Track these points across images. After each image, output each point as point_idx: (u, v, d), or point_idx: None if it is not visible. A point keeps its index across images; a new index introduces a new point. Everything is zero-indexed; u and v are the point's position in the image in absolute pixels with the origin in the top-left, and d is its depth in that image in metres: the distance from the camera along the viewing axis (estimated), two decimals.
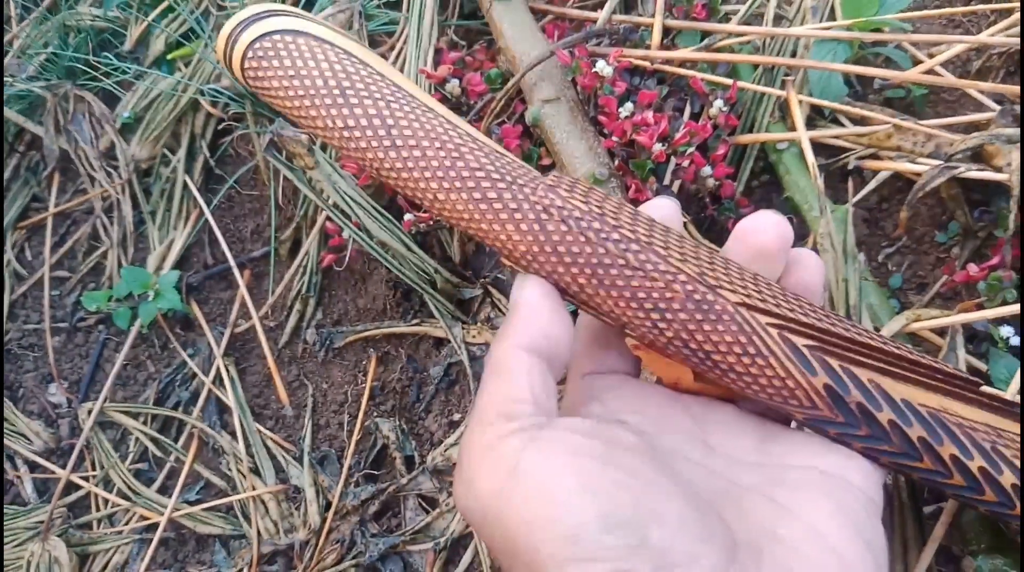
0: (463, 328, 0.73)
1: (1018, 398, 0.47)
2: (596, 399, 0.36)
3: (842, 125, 0.67)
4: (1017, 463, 0.35)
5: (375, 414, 0.74)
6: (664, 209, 0.38)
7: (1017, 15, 0.64)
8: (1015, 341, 0.51)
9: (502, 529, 0.29)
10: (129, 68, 0.92)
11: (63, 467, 0.80)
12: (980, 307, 0.55)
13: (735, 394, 0.37)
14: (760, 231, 0.36)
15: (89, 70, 0.94)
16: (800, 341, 0.34)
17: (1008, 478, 0.34)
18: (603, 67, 0.62)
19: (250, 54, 0.39)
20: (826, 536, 0.31)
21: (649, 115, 0.60)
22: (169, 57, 0.90)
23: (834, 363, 0.34)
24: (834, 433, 0.34)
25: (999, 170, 0.56)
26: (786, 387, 0.34)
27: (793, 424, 0.38)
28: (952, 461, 0.34)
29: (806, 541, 0.31)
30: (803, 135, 0.61)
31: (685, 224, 0.55)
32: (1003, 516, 0.35)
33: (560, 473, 0.28)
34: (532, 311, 0.34)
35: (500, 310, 0.73)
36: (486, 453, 0.30)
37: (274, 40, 0.39)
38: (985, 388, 0.38)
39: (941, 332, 0.55)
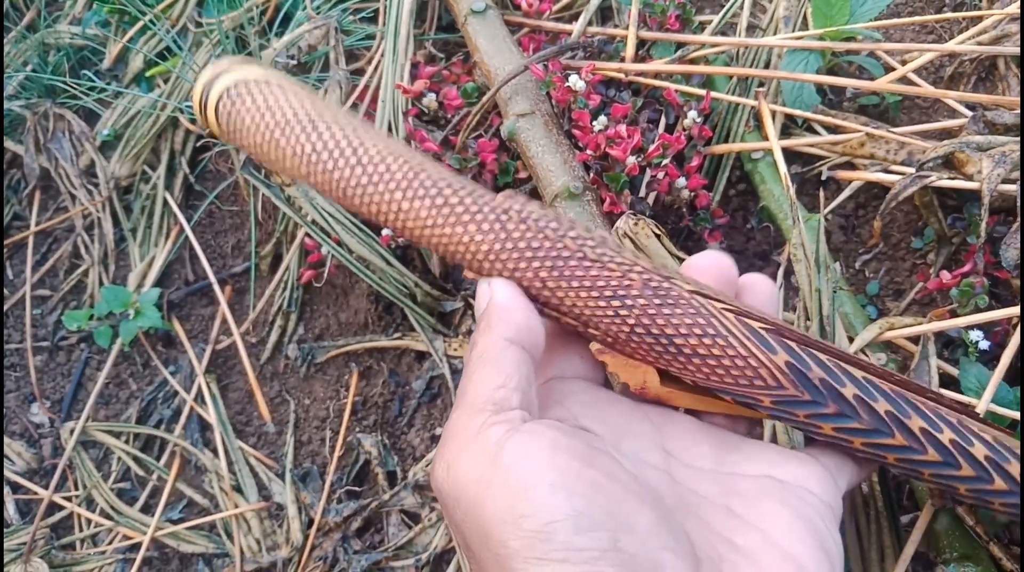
0: (445, 341, 0.74)
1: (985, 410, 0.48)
2: (558, 403, 0.36)
3: (817, 133, 0.68)
4: (986, 436, 0.36)
5: (357, 429, 0.74)
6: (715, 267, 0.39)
7: (987, 23, 0.64)
8: (984, 345, 0.52)
9: (476, 517, 0.29)
10: (108, 86, 0.92)
11: (45, 487, 0.79)
12: (954, 314, 0.56)
13: (700, 398, 0.37)
14: (703, 270, 0.37)
15: (68, 88, 0.94)
16: (756, 324, 0.35)
17: (980, 450, 0.35)
18: (576, 81, 0.62)
19: (225, 97, 0.40)
20: (783, 545, 0.31)
21: (622, 129, 0.60)
22: (148, 74, 0.90)
23: (792, 343, 0.35)
24: (804, 416, 0.35)
25: (970, 178, 0.56)
26: (749, 367, 0.35)
27: (766, 428, 0.39)
28: (923, 434, 0.35)
29: (764, 551, 0.31)
30: (775, 145, 0.61)
31: (659, 236, 0.55)
32: (983, 496, 0.35)
33: (540, 467, 0.28)
34: (510, 306, 0.35)
35: None
36: (470, 440, 0.30)
37: (247, 85, 0.40)
38: (941, 390, 0.38)
39: (916, 340, 0.55)
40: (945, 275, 0.57)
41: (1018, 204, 0.52)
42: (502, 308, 0.35)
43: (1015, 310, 0.49)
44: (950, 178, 0.57)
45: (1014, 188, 0.55)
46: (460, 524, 0.30)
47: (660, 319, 0.35)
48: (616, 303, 0.35)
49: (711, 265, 0.38)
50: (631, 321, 0.35)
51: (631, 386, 0.38)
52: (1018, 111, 0.59)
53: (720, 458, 0.35)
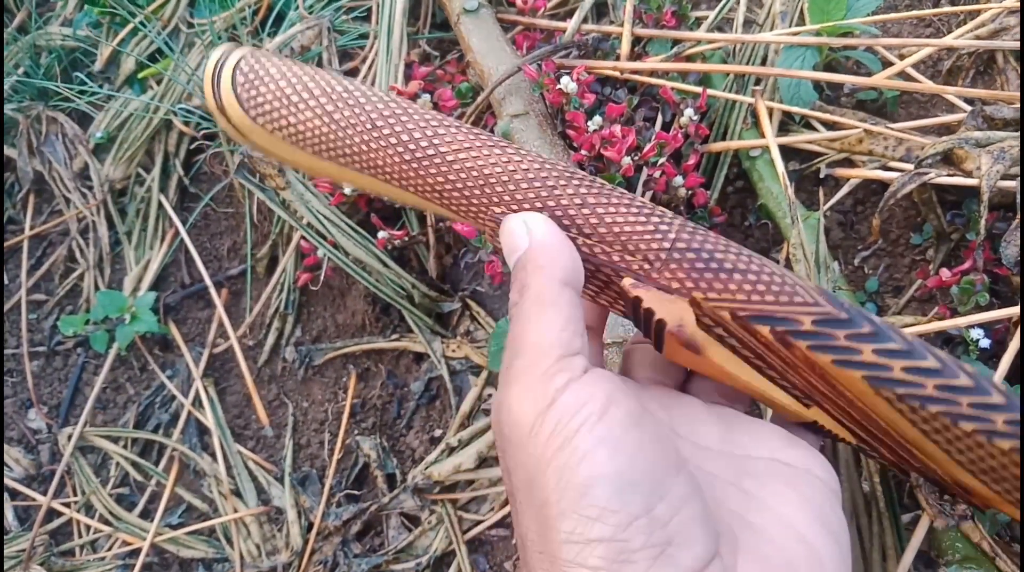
0: (443, 342, 0.73)
1: None
2: None
3: (815, 129, 0.67)
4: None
5: (356, 432, 0.73)
6: None
7: (984, 16, 0.64)
8: (985, 343, 0.51)
9: (524, 463, 0.29)
10: (100, 89, 0.91)
11: (44, 493, 0.79)
12: (955, 312, 0.55)
13: (730, 356, 0.37)
14: None
15: (61, 90, 0.93)
16: None
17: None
18: (568, 83, 0.62)
19: (240, 67, 0.41)
20: (795, 525, 0.31)
21: (617, 129, 0.59)
22: (140, 76, 0.90)
23: None
24: (844, 337, 0.34)
25: (969, 174, 0.56)
26: (787, 283, 0.35)
27: (771, 418, 0.38)
28: (949, 360, 0.34)
29: (777, 530, 0.31)
30: (772, 142, 0.60)
31: None
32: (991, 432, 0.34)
33: (590, 421, 0.28)
34: (557, 245, 0.34)
35: (479, 323, 0.73)
36: (535, 383, 0.30)
37: (257, 57, 0.41)
38: None
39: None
40: (945, 273, 0.56)
41: (1018, 201, 0.52)
42: (551, 247, 0.34)
43: (1015, 310, 0.49)
44: (949, 175, 0.57)
45: (1013, 184, 0.54)
46: (512, 470, 0.30)
47: (699, 234, 0.35)
48: (656, 219, 0.35)
49: None
50: (672, 235, 0.35)
51: (668, 324, 0.36)
52: (1017, 106, 0.58)
53: (728, 439, 0.35)
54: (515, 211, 0.37)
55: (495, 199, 0.39)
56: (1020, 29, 0.63)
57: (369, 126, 0.40)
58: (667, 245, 0.35)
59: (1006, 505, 0.36)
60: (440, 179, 0.40)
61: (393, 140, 0.40)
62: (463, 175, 0.39)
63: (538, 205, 0.38)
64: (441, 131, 0.39)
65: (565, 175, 0.36)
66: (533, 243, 0.35)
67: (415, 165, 0.40)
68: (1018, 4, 0.61)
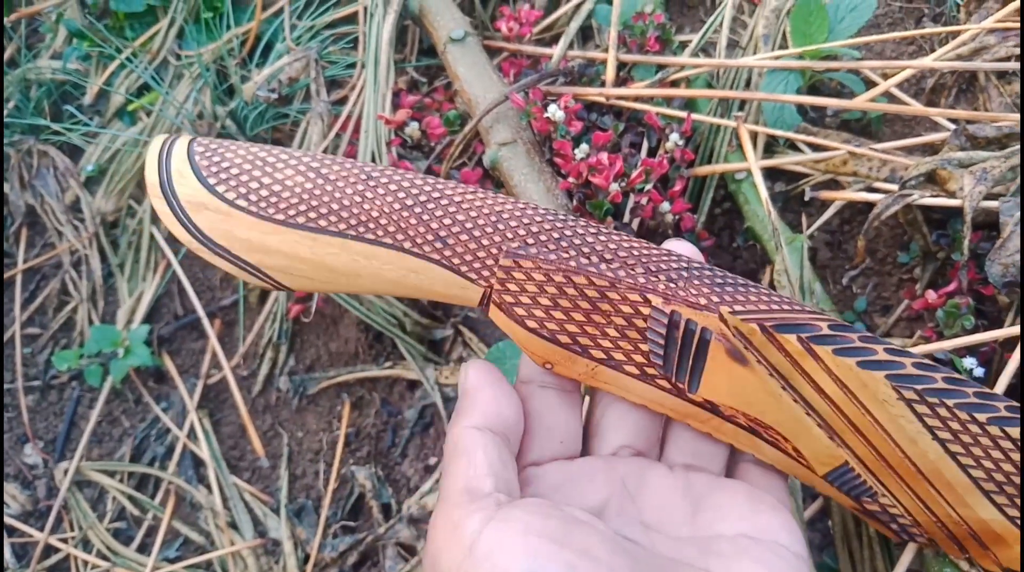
0: (436, 369, 0.73)
1: None
2: (537, 494, 0.36)
3: (800, 151, 0.67)
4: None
5: (351, 461, 0.73)
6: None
7: (964, 36, 0.64)
8: (979, 372, 0.51)
9: None
10: (90, 123, 0.91)
11: (41, 529, 0.79)
12: (940, 335, 0.55)
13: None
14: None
15: (51, 124, 0.93)
16: None
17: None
18: (555, 111, 0.62)
19: (196, 146, 0.39)
20: None
21: (604, 157, 0.60)
22: (130, 108, 0.90)
23: None
24: (858, 339, 0.36)
25: (952, 195, 0.56)
26: (786, 297, 0.38)
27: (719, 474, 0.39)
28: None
29: None
30: (754, 166, 0.61)
31: None
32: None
33: (514, 554, 0.29)
34: (479, 391, 0.35)
35: (472, 349, 0.73)
36: (450, 532, 0.31)
37: (199, 140, 0.39)
38: None
39: None
40: (931, 294, 0.57)
41: (1020, 210, 0.51)
42: (469, 394, 0.35)
43: (1000, 333, 0.49)
44: (932, 195, 0.57)
45: (996, 204, 0.55)
46: None
47: (707, 269, 0.38)
48: (662, 247, 0.39)
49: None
50: (684, 258, 0.38)
51: (714, 333, 0.37)
52: (999, 124, 0.59)
53: (694, 521, 0.36)
54: (530, 246, 0.38)
55: (509, 235, 0.38)
56: (1021, 40, 0.63)
57: (364, 177, 0.39)
58: (684, 264, 0.37)
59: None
60: (447, 221, 0.38)
61: (393, 187, 0.38)
62: (473, 214, 0.38)
63: (555, 235, 0.38)
64: (440, 184, 0.39)
65: (571, 217, 0.38)
66: (460, 391, 0.36)
67: (417, 209, 0.38)
68: (996, 25, 0.62)
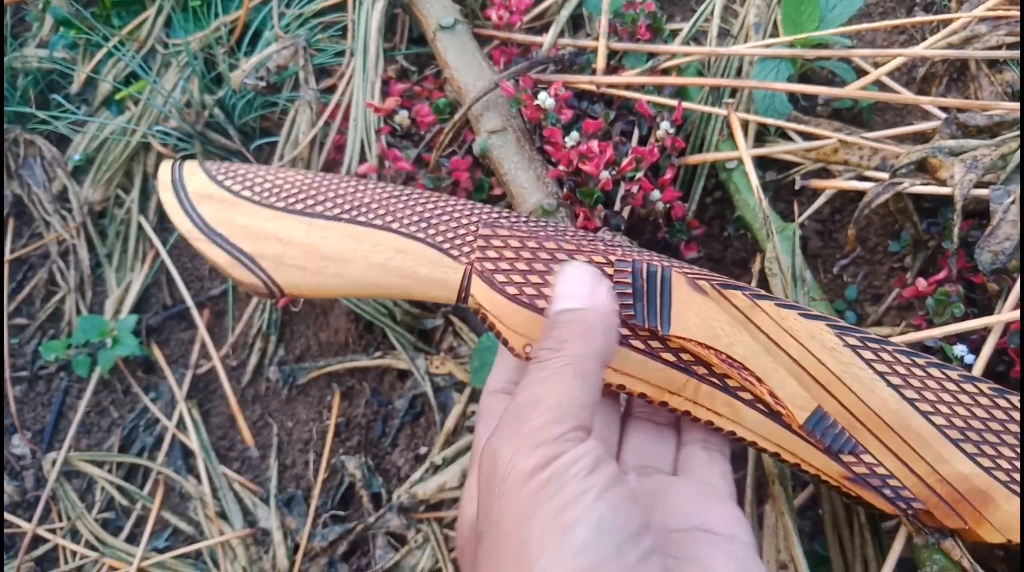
0: (426, 359, 0.73)
1: None
2: None
3: (792, 140, 0.67)
4: None
5: (341, 451, 0.73)
6: None
7: (955, 25, 0.64)
8: (969, 359, 0.51)
9: (513, 505, 0.31)
10: (76, 111, 0.91)
11: (29, 520, 0.78)
12: (931, 323, 0.55)
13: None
14: None
15: (38, 113, 0.93)
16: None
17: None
18: (545, 99, 0.62)
19: (209, 162, 0.44)
20: None
21: (594, 144, 0.60)
22: (117, 97, 0.89)
23: None
24: (780, 298, 0.42)
25: (943, 183, 0.56)
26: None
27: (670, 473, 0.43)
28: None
29: None
30: (745, 155, 0.61)
31: None
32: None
33: (582, 473, 0.31)
34: (614, 318, 0.39)
35: (462, 339, 0.73)
36: (540, 443, 0.32)
37: (209, 162, 0.44)
38: None
39: None
40: (921, 282, 0.57)
41: (1018, 196, 0.51)
42: (607, 318, 0.38)
43: (989, 320, 0.49)
44: (923, 184, 0.57)
45: (986, 192, 0.55)
46: (493, 507, 0.32)
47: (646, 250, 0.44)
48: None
49: None
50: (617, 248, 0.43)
51: (675, 271, 0.41)
52: (990, 113, 0.59)
53: (651, 517, 0.38)
54: (506, 230, 0.41)
55: (484, 217, 0.42)
56: (1020, 28, 0.63)
57: (355, 181, 0.43)
58: (628, 243, 0.43)
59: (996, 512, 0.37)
60: (430, 206, 0.42)
61: (382, 185, 0.43)
62: (452, 203, 0.42)
63: (523, 219, 0.43)
64: (421, 190, 0.44)
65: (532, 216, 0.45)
66: (596, 305, 0.37)
67: (404, 197, 0.42)
68: (987, 13, 0.61)
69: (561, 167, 0.62)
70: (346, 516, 0.71)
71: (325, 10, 0.85)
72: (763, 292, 0.41)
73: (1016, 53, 0.62)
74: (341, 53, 0.81)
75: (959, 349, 0.51)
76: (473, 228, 0.41)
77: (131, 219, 0.87)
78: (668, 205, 0.63)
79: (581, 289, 0.37)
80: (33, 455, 0.83)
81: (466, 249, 0.41)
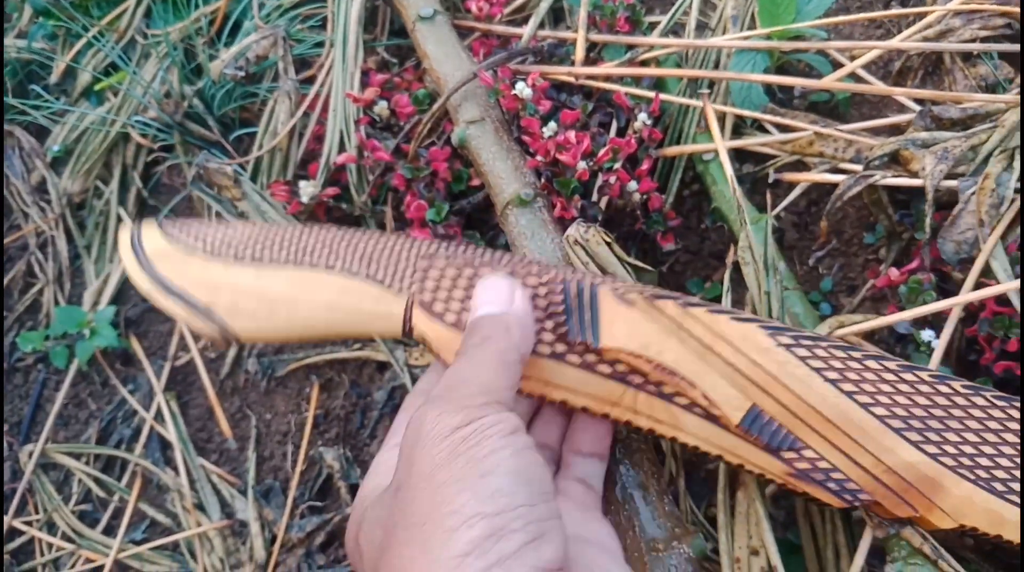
0: (405, 351, 0.73)
1: None
2: None
3: (768, 132, 0.68)
4: None
5: (319, 443, 0.73)
6: None
7: (930, 18, 0.65)
8: (936, 344, 0.52)
9: (434, 455, 0.34)
10: (56, 102, 0.90)
11: (4, 512, 0.78)
12: (903, 310, 0.56)
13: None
14: None
15: (17, 103, 0.92)
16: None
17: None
18: (523, 89, 0.62)
19: (164, 220, 0.47)
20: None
21: (572, 135, 0.60)
22: (96, 88, 0.89)
23: None
24: (708, 305, 0.43)
25: (915, 175, 0.57)
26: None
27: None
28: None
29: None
30: (721, 147, 0.61)
31: (609, 243, 0.55)
32: None
33: (502, 432, 0.34)
34: (530, 321, 0.43)
35: None
36: (466, 407, 0.35)
37: (167, 220, 0.47)
38: None
39: (867, 336, 0.55)
40: (893, 272, 0.57)
41: (1019, 198, 0.52)
42: (524, 320, 0.42)
43: (957, 300, 0.50)
44: (894, 176, 0.57)
45: (956, 183, 0.55)
46: (416, 461, 0.34)
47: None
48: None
49: None
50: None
51: (604, 291, 0.45)
52: (964, 106, 0.59)
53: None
54: (443, 260, 0.44)
55: (422, 252, 0.44)
56: (1021, 31, 0.63)
57: (301, 228, 0.46)
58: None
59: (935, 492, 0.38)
60: (372, 244, 0.45)
61: (325, 230, 0.46)
62: (392, 240, 0.45)
63: (459, 249, 0.45)
64: (364, 231, 0.47)
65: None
66: (514, 310, 0.41)
67: (347, 239, 0.45)
68: (961, 7, 0.62)
69: (539, 157, 0.62)
70: (324, 507, 0.71)
71: (305, 0, 0.84)
72: (695, 300, 0.43)
73: (989, 46, 0.63)
74: (321, 44, 0.81)
75: (926, 334, 0.51)
76: (413, 261, 0.44)
77: (110, 210, 0.87)
78: (645, 196, 0.63)
79: (499, 297, 0.41)
80: (10, 447, 0.82)
81: (406, 282, 0.43)
